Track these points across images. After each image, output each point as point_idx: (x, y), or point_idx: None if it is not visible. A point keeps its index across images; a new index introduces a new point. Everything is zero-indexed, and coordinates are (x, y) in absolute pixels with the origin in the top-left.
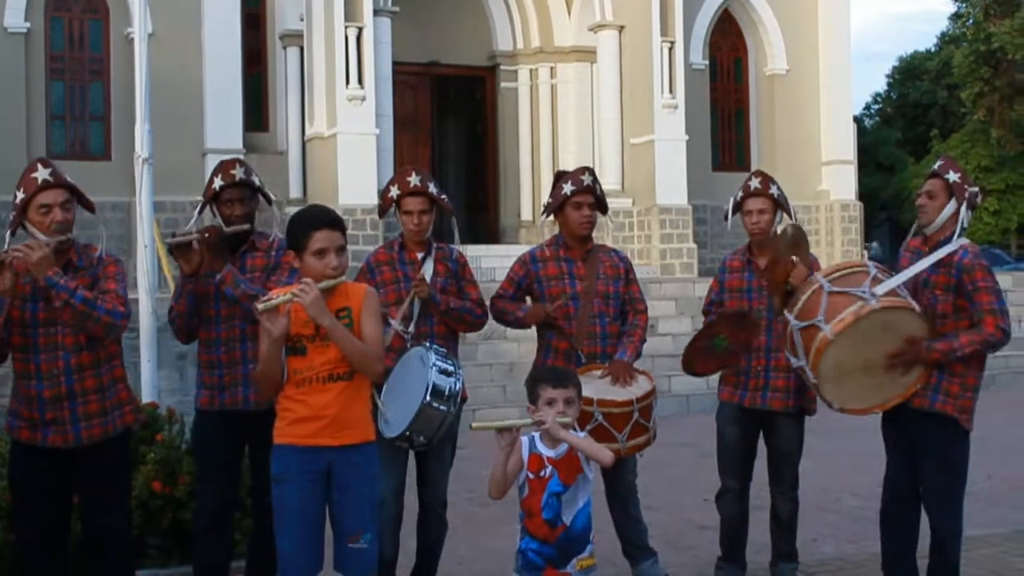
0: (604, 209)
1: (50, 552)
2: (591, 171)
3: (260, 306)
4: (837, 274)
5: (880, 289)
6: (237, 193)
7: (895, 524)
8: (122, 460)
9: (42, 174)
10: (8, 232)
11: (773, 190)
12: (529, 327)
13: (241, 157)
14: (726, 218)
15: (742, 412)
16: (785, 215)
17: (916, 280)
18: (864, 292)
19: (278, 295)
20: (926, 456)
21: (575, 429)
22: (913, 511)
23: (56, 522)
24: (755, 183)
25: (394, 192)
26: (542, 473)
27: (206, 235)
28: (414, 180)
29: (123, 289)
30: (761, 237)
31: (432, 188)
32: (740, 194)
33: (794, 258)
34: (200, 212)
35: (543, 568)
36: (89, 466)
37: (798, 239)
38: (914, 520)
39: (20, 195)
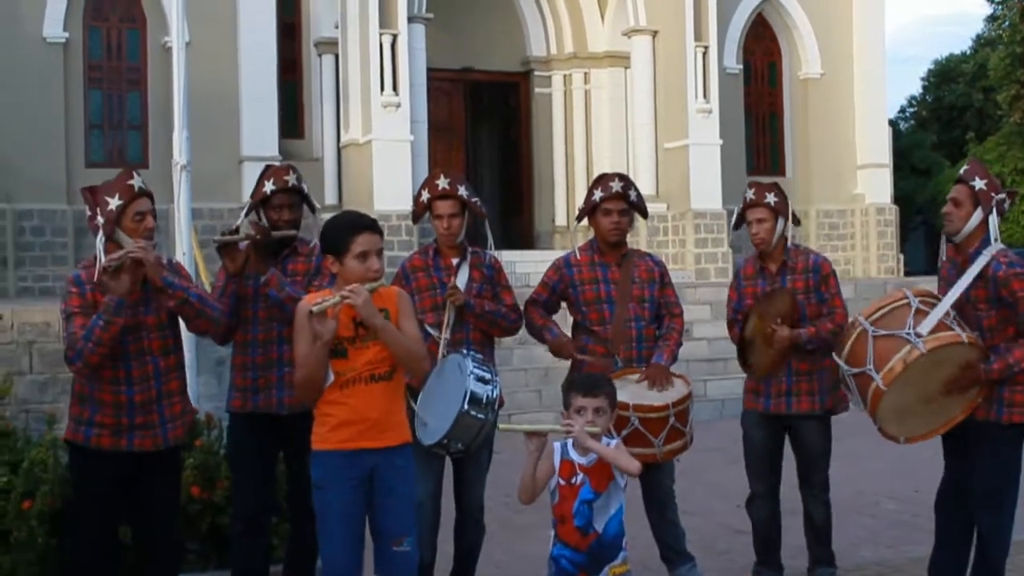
0: (643, 213)
1: (107, 559)
2: (623, 177)
3: (314, 308)
4: (878, 314)
5: (925, 327)
6: (287, 199)
7: (946, 517)
8: (179, 466)
9: (137, 182)
10: (102, 237)
11: (769, 199)
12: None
13: (293, 164)
14: (735, 228)
15: (768, 417)
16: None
17: (959, 298)
18: (909, 334)
19: (325, 298)
20: (980, 457)
21: (611, 435)
22: (965, 507)
23: (113, 528)
24: (750, 194)
25: (425, 196)
26: (573, 480)
27: (256, 236)
28: (443, 183)
29: None
30: (764, 246)
31: (462, 191)
32: (741, 206)
33: (773, 325)
34: (247, 214)
35: None
36: (157, 469)
37: (767, 302)
38: (965, 516)
39: (115, 201)
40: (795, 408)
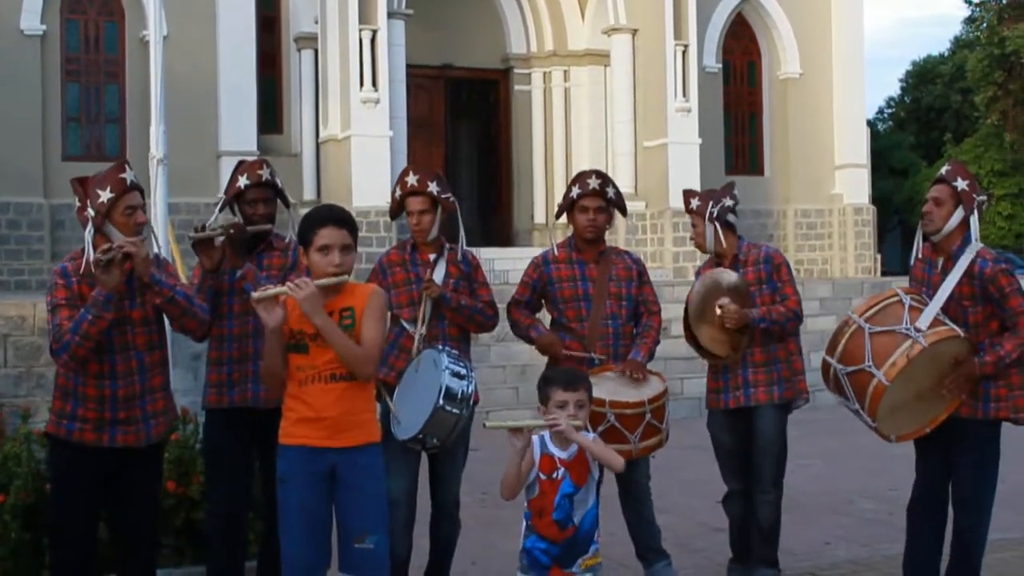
0: (622, 211)
1: (90, 554)
2: (601, 174)
3: (256, 295)
4: (872, 311)
5: (922, 322)
6: (261, 193)
7: (921, 521)
8: (161, 463)
9: (129, 175)
10: (91, 230)
11: (693, 204)
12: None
13: (267, 159)
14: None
15: (730, 415)
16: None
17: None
18: (908, 329)
19: (271, 286)
20: (962, 455)
21: (587, 430)
22: (940, 510)
23: (95, 523)
24: (684, 203)
25: (397, 193)
26: (554, 475)
27: (231, 231)
28: (411, 180)
29: None
30: (701, 250)
31: (432, 187)
32: None
33: (719, 303)
34: (221, 209)
35: (549, 567)
36: (140, 464)
37: (710, 290)
38: (940, 519)
39: (107, 194)
40: (753, 400)
